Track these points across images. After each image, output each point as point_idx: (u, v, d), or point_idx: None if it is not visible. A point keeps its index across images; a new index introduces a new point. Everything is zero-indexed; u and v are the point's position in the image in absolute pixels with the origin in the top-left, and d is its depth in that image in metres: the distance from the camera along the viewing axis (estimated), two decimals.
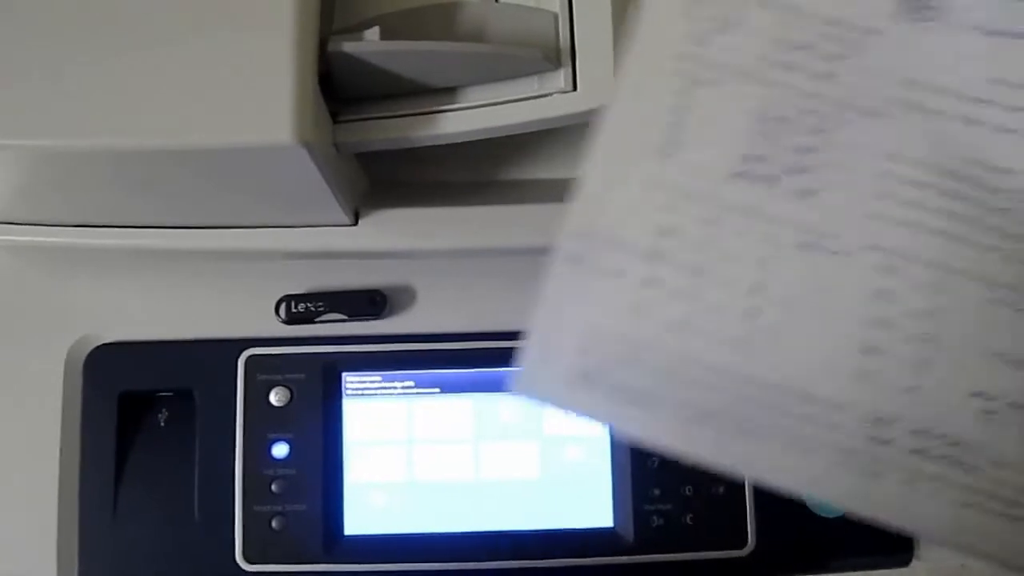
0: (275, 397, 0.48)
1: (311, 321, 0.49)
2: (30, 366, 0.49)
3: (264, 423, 0.48)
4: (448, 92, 0.42)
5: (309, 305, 0.48)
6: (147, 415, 0.49)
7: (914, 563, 0.49)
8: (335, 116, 0.41)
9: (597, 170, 0.36)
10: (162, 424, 0.49)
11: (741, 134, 0.36)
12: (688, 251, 0.36)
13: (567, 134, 0.42)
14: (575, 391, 0.35)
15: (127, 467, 0.49)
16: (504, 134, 0.42)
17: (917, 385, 0.35)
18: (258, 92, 0.36)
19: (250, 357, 0.48)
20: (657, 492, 0.48)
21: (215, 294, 0.49)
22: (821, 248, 0.36)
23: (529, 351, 0.35)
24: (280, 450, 0.48)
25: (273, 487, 0.47)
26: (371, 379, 0.49)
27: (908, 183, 0.36)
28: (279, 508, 0.47)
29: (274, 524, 0.47)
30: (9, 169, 0.40)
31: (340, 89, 0.41)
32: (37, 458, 0.48)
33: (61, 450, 0.48)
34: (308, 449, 0.47)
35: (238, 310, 0.49)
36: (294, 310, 0.48)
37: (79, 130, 0.37)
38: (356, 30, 0.41)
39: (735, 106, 0.37)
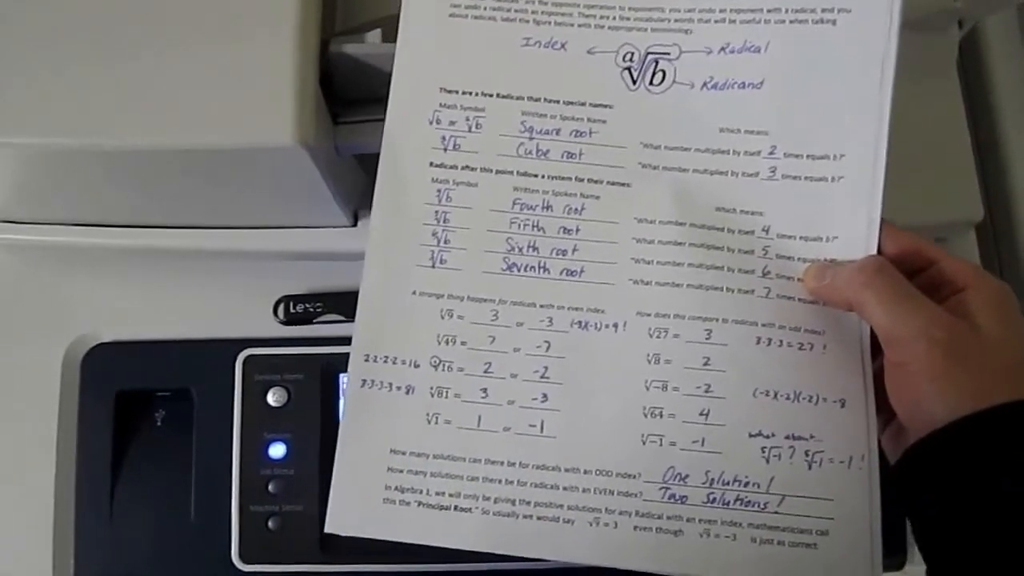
0: (272, 397, 0.48)
1: (309, 322, 0.49)
2: (27, 365, 0.49)
3: (261, 423, 0.48)
4: None
5: (307, 306, 0.48)
6: (144, 415, 0.49)
7: (907, 567, 0.49)
8: (335, 118, 0.41)
9: (372, 290, 0.38)
10: (159, 424, 0.49)
11: (504, 229, 0.38)
12: (473, 352, 0.38)
13: None
14: (389, 514, 0.37)
15: (124, 466, 0.48)
16: None
17: (701, 437, 0.36)
18: (260, 93, 0.37)
19: (248, 357, 0.48)
20: None
21: (213, 294, 0.49)
22: (595, 323, 0.38)
23: (338, 483, 0.37)
24: (277, 450, 0.48)
25: (270, 487, 0.47)
26: None
27: (662, 243, 0.38)
28: (275, 508, 0.47)
29: (270, 524, 0.47)
30: (9, 167, 0.40)
31: (341, 91, 0.41)
32: (34, 457, 0.48)
33: (58, 449, 0.48)
34: (305, 450, 0.47)
35: (236, 310, 0.49)
36: (292, 311, 0.49)
37: (80, 129, 0.37)
38: (358, 32, 0.41)
39: (494, 203, 0.38)
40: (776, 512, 0.36)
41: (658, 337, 0.37)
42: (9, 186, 0.43)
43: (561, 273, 0.38)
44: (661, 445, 0.36)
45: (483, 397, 0.37)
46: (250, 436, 0.48)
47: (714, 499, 0.36)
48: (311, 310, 0.48)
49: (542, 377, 0.37)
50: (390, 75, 0.40)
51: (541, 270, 0.38)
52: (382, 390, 0.38)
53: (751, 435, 0.36)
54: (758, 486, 0.36)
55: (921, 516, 0.34)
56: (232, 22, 0.37)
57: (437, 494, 0.37)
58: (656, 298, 0.37)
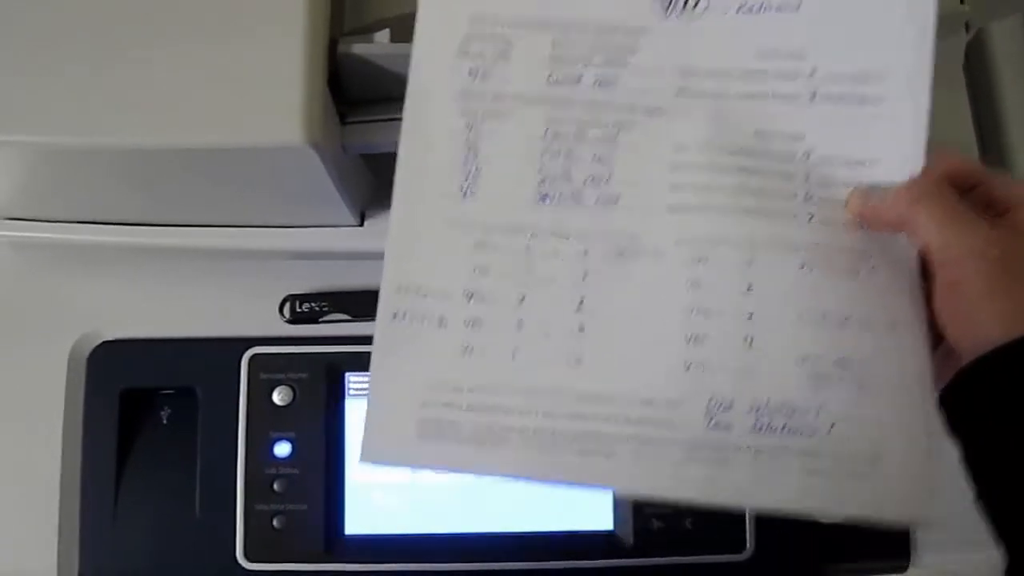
0: (278, 396, 0.48)
1: (315, 321, 0.49)
2: (33, 363, 0.49)
3: (266, 422, 0.48)
4: None
5: (313, 305, 0.48)
6: (149, 413, 0.49)
7: (911, 568, 0.49)
8: (343, 117, 0.41)
9: (402, 223, 0.37)
10: (164, 422, 0.49)
11: (536, 158, 0.37)
12: (506, 284, 0.36)
13: None
14: (424, 446, 0.36)
15: (129, 464, 0.49)
16: None
17: (745, 364, 0.35)
18: (268, 93, 0.37)
19: (253, 356, 0.48)
20: None
21: (219, 293, 0.49)
22: (633, 251, 0.36)
23: (371, 416, 0.36)
24: (282, 449, 0.48)
25: (275, 486, 0.47)
26: None
27: (699, 169, 0.37)
28: (280, 507, 0.47)
29: (275, 523, 0.47)
30: (18, 165, 0.40)
31: (349, 90, 0.41)
32: (39, 455, 0.48)
33: (63, 447, 0.48)
34: (310, 448, 0.48)
35: (242, 309, 0.49)
36: (298, 310, 0.49)
37: (90, 128, 0.37)
38: (366, 32, 0.41)
39: (525, 132, 0.37)
40: (826, 439, 0.34)
41: (699, 264, 0.36)
42: (18, 184, 0.43)
43: (596, 202, 0.37)
44: (704, 372, 0.35)
45: (518, 329, 0.36)
46: (255, 435, 0.48)
47: (761, 427, 0.35)
48: (317, 309, 0.49)
49: (578, 308, 0.36)
50: (399, 75, 0.40)
51: (575, 199, 0.37)
52: (413, 322, 0.36)
53: (798, 361, 0.35)
54: (806, 413, 0.35)
55: (974, 439, 0.32)
56: (241, 22, 0.37)
57: (473, 425, 0.35)
58: (695, 225, 0.36)
